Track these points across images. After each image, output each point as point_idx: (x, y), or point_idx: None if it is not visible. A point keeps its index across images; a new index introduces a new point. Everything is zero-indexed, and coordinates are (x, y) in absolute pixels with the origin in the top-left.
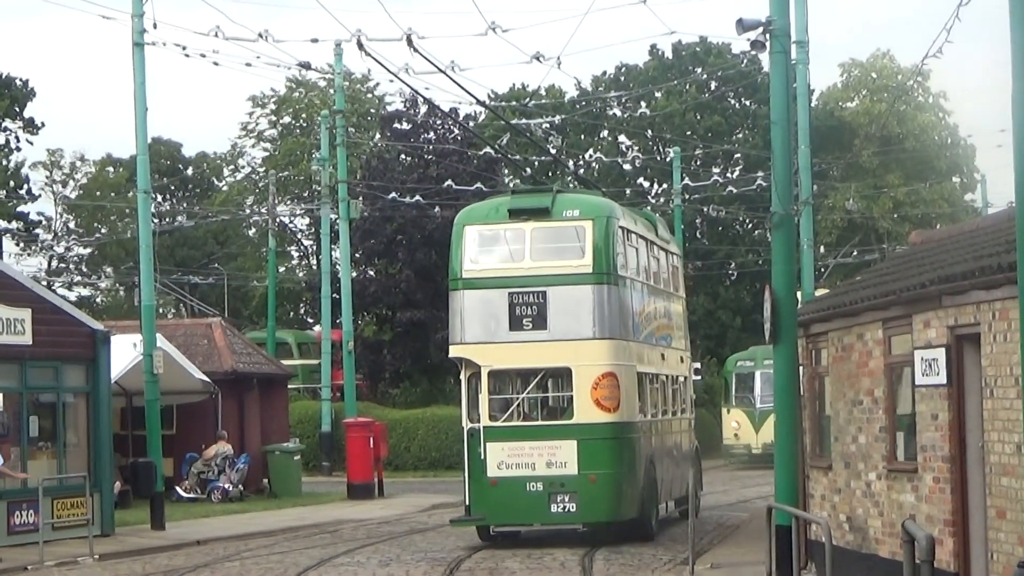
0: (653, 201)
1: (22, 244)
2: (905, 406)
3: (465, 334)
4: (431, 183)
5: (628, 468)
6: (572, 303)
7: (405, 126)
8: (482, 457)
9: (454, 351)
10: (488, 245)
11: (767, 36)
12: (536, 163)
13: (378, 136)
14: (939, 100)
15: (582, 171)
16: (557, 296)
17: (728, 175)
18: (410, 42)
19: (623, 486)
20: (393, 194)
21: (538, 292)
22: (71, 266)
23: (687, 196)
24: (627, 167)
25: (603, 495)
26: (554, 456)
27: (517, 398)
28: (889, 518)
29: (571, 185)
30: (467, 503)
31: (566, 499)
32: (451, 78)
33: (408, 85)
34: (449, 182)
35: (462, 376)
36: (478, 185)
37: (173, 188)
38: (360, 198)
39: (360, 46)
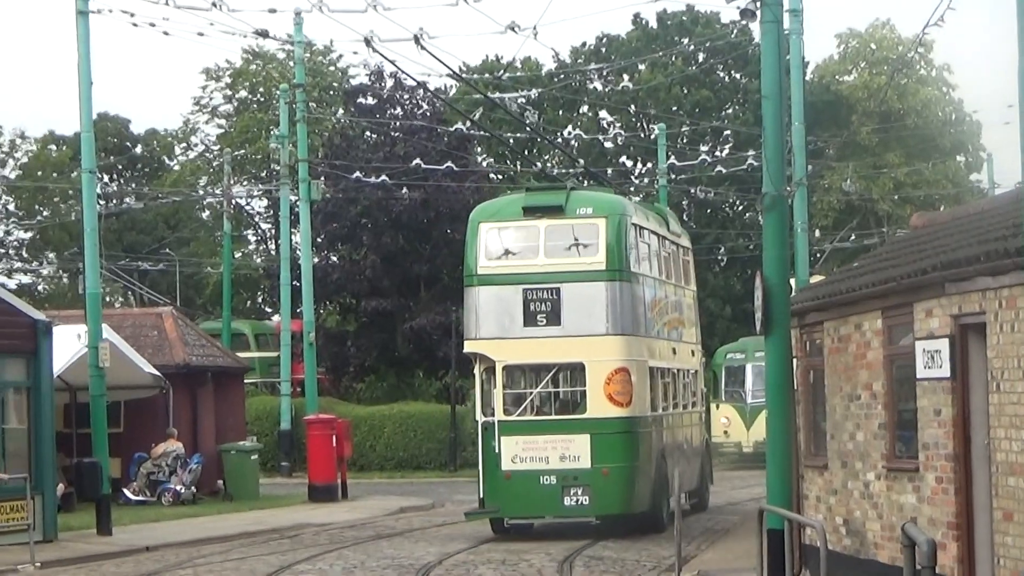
0: (636, 182)
1: None
2: (906, 401)
3: (480, 330)
4: (398, 162)
5: (640, 462)
6: (585, 300)
7: (370, 101)
8: (496, 451)
9: (469, 346)
10: (502, 242)
11: (758, 4)
12: (511, 140)
13: (341, 112)
14: (943, 73)
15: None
16: (571, 293)
17: (717, 154)
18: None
19: (635, 479)
20: (357, 174)
21: (552, 289)
22: (10, 251)
23: (673, 176)
24: (608, 145)
25: (615, 488)
26: (567, 450)
27: (531, 393)
28: (889, 521)
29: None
30: (481, 496)
31: (579, 492)
32: (421, 45)
33: (375, 49)
34: (418, 161)
35: (476, 371)
36: (448, 164)
37: (120, 167)
38: (322, 178)
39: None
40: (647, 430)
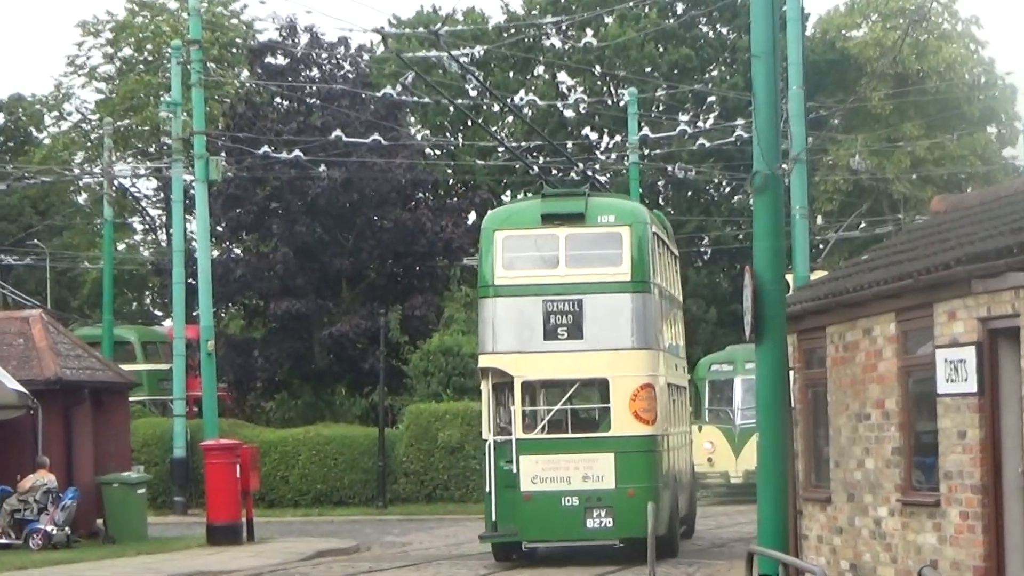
0: (603, 157)
1: None
2: (925, 421)
3: (497, 343)
4: (315, 134)
5: (662, 482)
6: (609, 312)
7: (281, 61)
8: (514, 471)
9: (485, 361)
10: (520, 251)
11: None
12: (451, 108)
13: (246, 74)
14: (970, 27)
15: (510, 119)
16: (594, 305)
17: (699, 124)
18: None
19: (659, 501)
20: (265, 149)
21: (574, 300)
22: None
23: (646, 151)
24: (569, 113)
25: (641, 510)
26: (590, 470)
27: (552, 410)
28: (904, 565)
29: (538, 157)
30: (493, 519)
31: (602, 514)
32: None
33: None
34: (338, 133)
35: (483, 387)
36: (375, 137)
37: None
38: (223, 154)
39: None
40: (665, 449)
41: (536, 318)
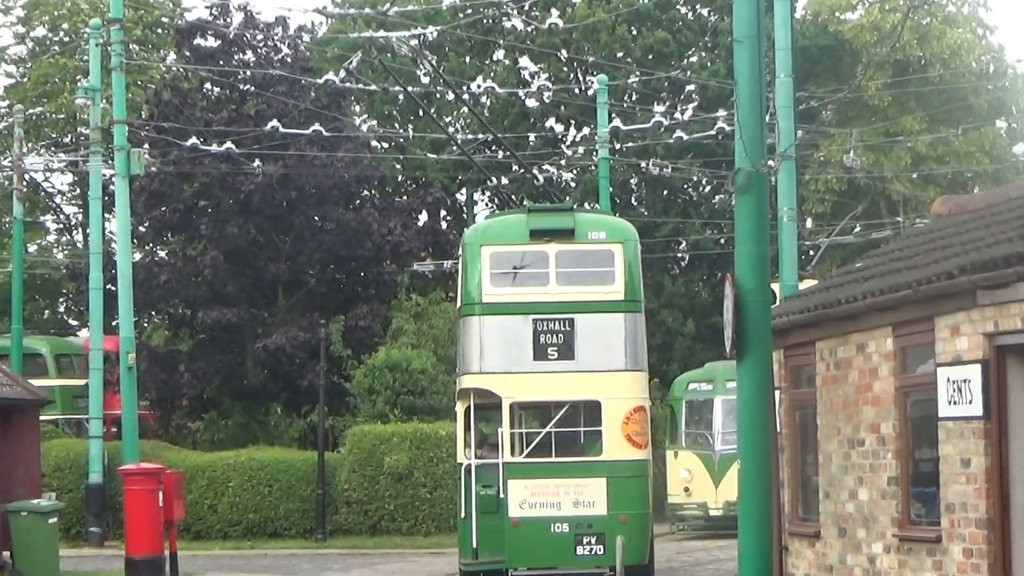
0: (569, 152)
1: None
2: (925, 448)
3: (485, 363)
4: (248, 124)
5: (650, 509)
6: (602, 332)
7: (211, 43)
8: (500, 496)
9: (470, 381)
10: (508, 268)
11: None
12: (400, 97)
13: (173, 57)
14: (977, 10)
15: (467, 107)
16: (586, 324)
17: (676, 115)
18: None
19: (649, 528)
20: (194, 140)
21: (565, 319)
22: None
23: (617, 145)
24: (532, 103)
25: (634, 537)
26: (581, 495)
27: (541, 433)
28: None
29: (496, 152)
30: (474, 546)
31: (593, 541)
32: None
33: None
34: (275, 123)
35: (459, 408)
36: (316, 128)
37: None
38: (146, 146)
39: None
40: (650, 475)
41: (526, 337)
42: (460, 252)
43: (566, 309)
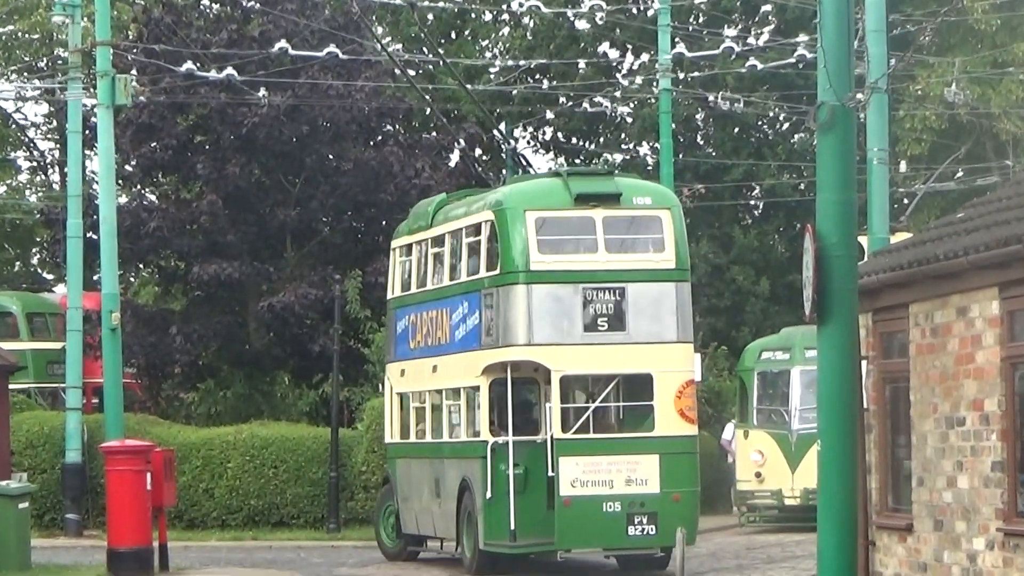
0: (625, 83)
1: None
2: None
3: (534, 335)
4: (253, 47)
5: (699, 487)
6: (653, 302)
7: None
8: (550, 473)
9: (516, 353)
10: (553, 234)
11: None
12: (430, 19)
13: None
14: None
15: (507, 28)
16: (637, 294)
17: (750, 41)
18: None
19: (698, 507)
20: (189, 65)
21: (616, 289)
22: None
23: (681, 75)
24: (582, 25)
25: (685, 515)
26: (634, 473)
27: (591, 407)
28: None
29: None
30: (512, 528)
31: (645, 520)
32: None
33: None
34: (283, 45)
35: (482, 382)
36: (331, 49)
37: None
38: (134, 72)
39: None
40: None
41: (575, 307)
42: (488, 216)
43: (617, 278)
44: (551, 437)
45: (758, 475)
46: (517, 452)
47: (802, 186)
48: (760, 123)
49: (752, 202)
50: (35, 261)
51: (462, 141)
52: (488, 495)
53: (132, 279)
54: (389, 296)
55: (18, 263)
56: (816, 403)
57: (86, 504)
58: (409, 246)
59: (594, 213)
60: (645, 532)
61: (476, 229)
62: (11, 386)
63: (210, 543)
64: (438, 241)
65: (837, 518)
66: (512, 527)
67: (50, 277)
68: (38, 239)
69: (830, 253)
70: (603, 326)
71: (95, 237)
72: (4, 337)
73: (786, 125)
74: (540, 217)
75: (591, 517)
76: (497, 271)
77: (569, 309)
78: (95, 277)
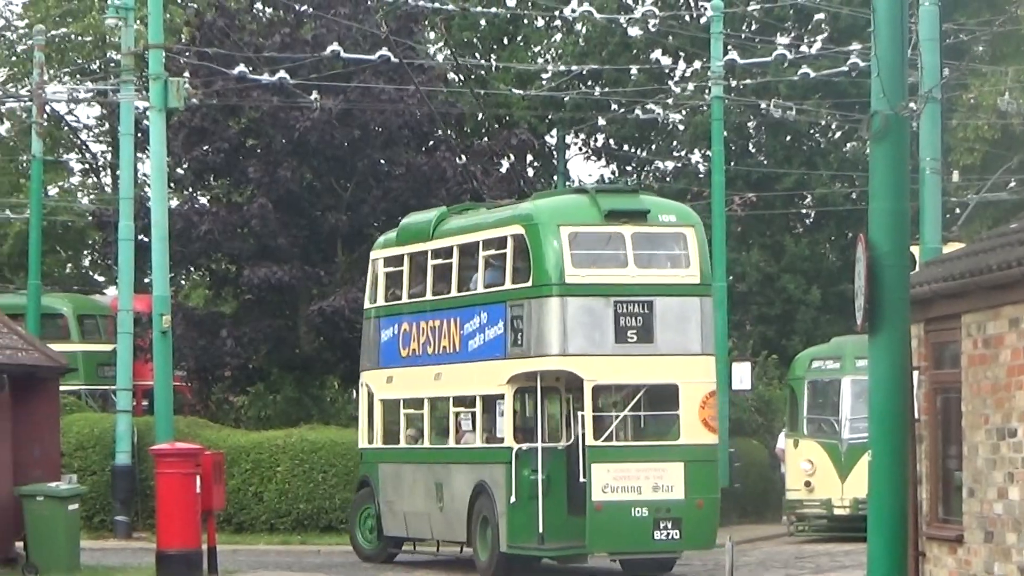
0: (677, 90)
1: None
2: None
3: (568, 345)
4: (305, 51)
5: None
6: (679, 315)
7: None
8: (581, 479)
9: (551, 363)
10: (586, 248)
11: None
12: (483, 23)
13: None
14: None
15: (560, 34)
16: (665, 307)
17: (803, 49)
18: None
19: (719, 514)
20: (241, 68)
21: (645, 302)
22: None
23: (733, 82)
24: (635, 32)
25: (708, 521)
26: (660, 479)
27: (621, 416)
28: None
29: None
30: (540, 531)
31: (670, 525)
32: None
33: None
34: (336, 48)
35: (506, 391)
36: (383, 53)
37: None
38: (186, 75)
39: None
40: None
41: (607, 320)
42: (516, 230)
43: (645, 292)
44: (583, 444)
45: (808, 484)
46: (542, 458)
47: (854, 195)
48: (812, 131)
49: (804, 211)
50: (86, 263)
51: (511, 154)
52: (513, 499)
53: (183, 282)
54: (368, 305)
55: (69, 265)
56: (867, 413)
57: (135, 506)
58: (399, 257)
59: (623, 229)
60: (670, 537)
61: (500, 242)
62: (62, 388)
63: (259, 547)
64: (441, 253)
65: (887, 528)
66: (540, 530)
67: (101, 279)
68: (89, 241)
69: (882, 263)
70: (632, 338)
71: (146, 240)
72: (55, 339)
73: (838, 134)
74: (573, 232)
75: (620, 522)
76: (528, 283)
77: (601, 321)
78: (146, 280)
